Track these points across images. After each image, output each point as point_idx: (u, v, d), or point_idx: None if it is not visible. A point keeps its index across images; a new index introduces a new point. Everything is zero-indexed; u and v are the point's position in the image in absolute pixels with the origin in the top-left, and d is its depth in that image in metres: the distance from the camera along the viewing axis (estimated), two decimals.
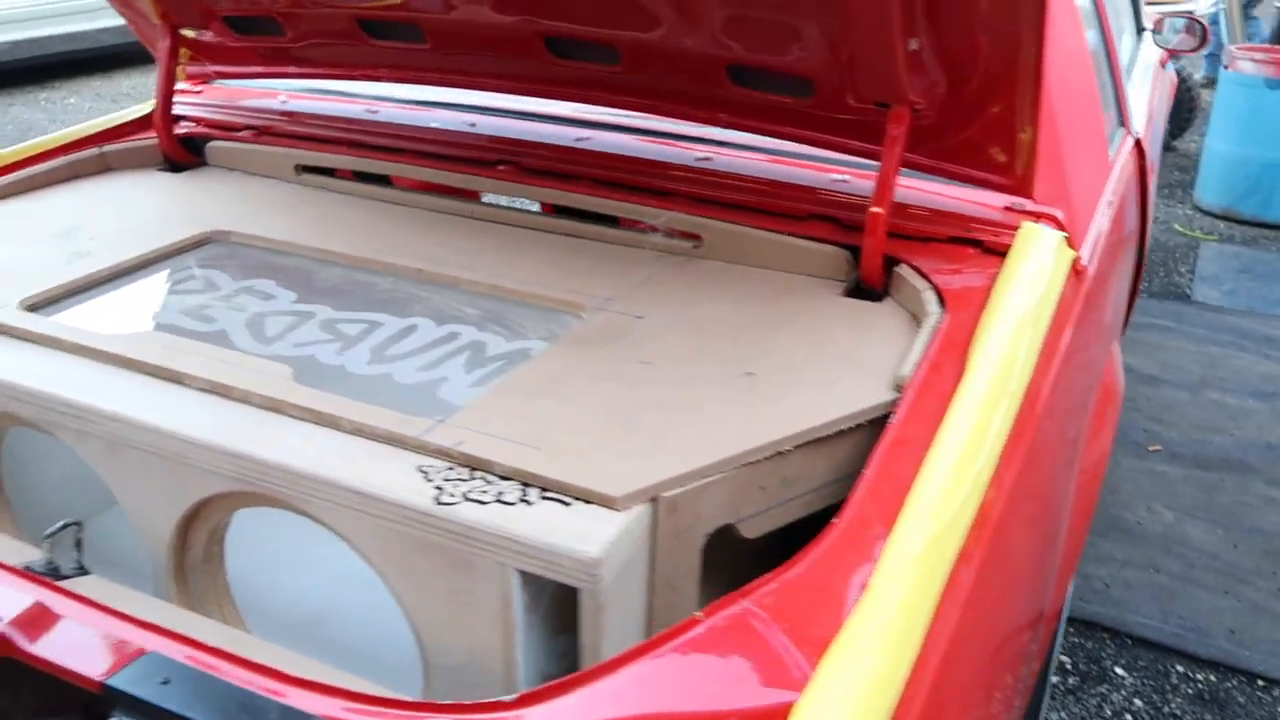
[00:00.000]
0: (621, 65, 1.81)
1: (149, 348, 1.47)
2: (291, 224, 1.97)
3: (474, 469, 1.22)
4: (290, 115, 2.29)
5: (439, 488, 1.19)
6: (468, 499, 1.16)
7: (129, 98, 8.55)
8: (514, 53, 1.91)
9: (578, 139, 2.05)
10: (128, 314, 1.66)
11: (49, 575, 1.30)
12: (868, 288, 1.66)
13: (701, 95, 1.80)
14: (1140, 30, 3.78)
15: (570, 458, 1.22)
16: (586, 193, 1.93)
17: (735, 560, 1.36)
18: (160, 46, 2.27)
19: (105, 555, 1.53)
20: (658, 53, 1.75)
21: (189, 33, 2.28)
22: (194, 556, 1.42)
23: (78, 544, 1.35)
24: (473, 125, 2.14)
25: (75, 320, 1.63)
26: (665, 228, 1.83)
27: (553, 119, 2.15)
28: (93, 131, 2.36)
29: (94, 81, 9.12)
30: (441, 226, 1.95)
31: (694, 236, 1.82)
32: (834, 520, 1.10)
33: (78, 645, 1.17)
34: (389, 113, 2.24)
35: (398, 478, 1.21)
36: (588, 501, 1.16)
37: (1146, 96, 3.05)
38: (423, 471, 1.22)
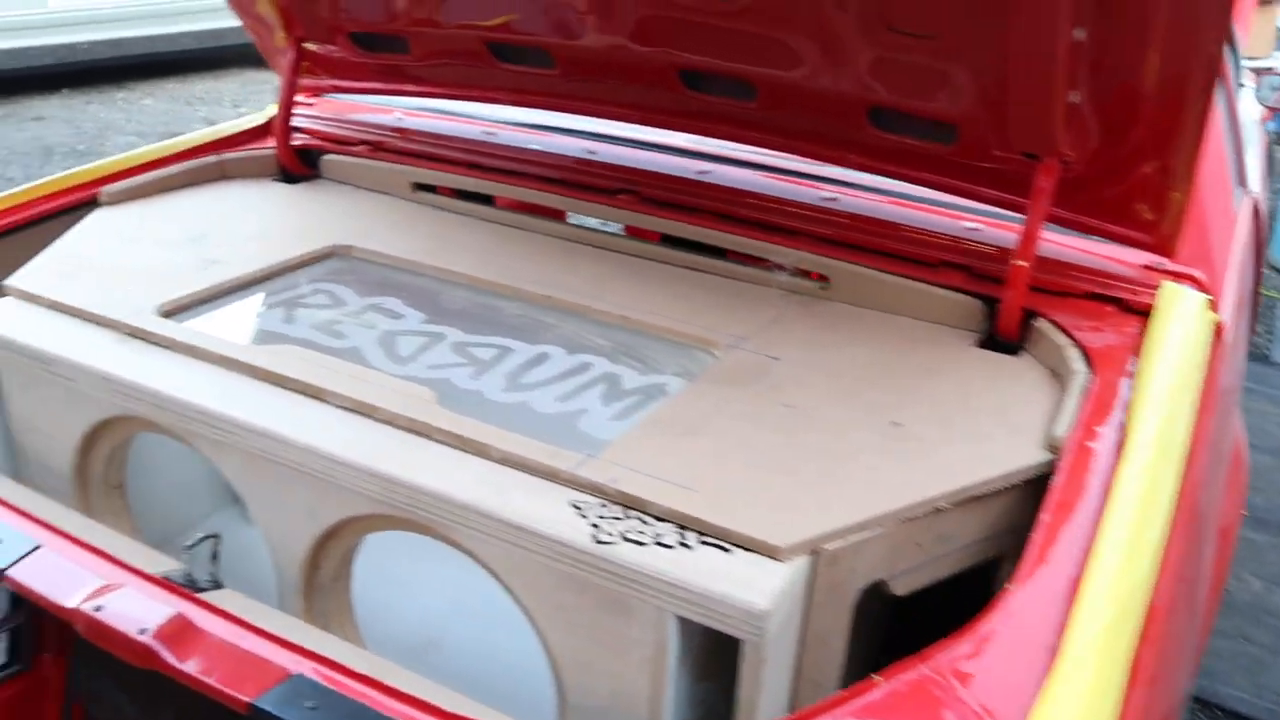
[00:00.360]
0: (757, 102, 1.80)
1: (289, 362, 1.47)
2: (412, 242, 1.97)
3: (628, 508, 1.20)
4: (406, 132, 2.30)
5: (595, 525, 1.17)
6: (626, 539, 1.14)
7: (202, 101, 8.70)
8: (645, 83, 1.90)
9: (700, 172, 2.04)
10: (260, 325, 1.66)
11: (187, 587, 1.29)
12: (1003, 340, 1.63)
13: (837, 136, 1.79)
14: (1240, 85, 3.73)
15: (728, 502, 1.19)
16: (709, 227, 1.91)
17: (875, 616, 1.33)
18: (283, 59, 2.30)
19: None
20: (796, 91, 1.74)
21: (312, 46, 2.30)
22: (325, 575, 1.41)
23: (214, 556, 1.34)
24: (592, 153, 2.14)
25: (208, 327, 1.64)
26: (792, 267, 1.81)
27: (673, 150, 2.14)
28: (210, 139, 2.39)
29: (169, 84, 9.28)
30: (561, 252, 1.94)
31: (821, 278, 1.80)
32: (1006, 587, 1.07)
33: (222, 662, 1.16)
34: (506, 135, 2.24)
35: (552, 512, 1.19)
36: (748, 549, 1.14)
37: (1256, 154, 3.00)
38: (576, 507, 1.20)
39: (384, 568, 1.62)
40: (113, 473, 1.63)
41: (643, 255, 1.94)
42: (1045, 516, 1.16)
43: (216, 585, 1.35)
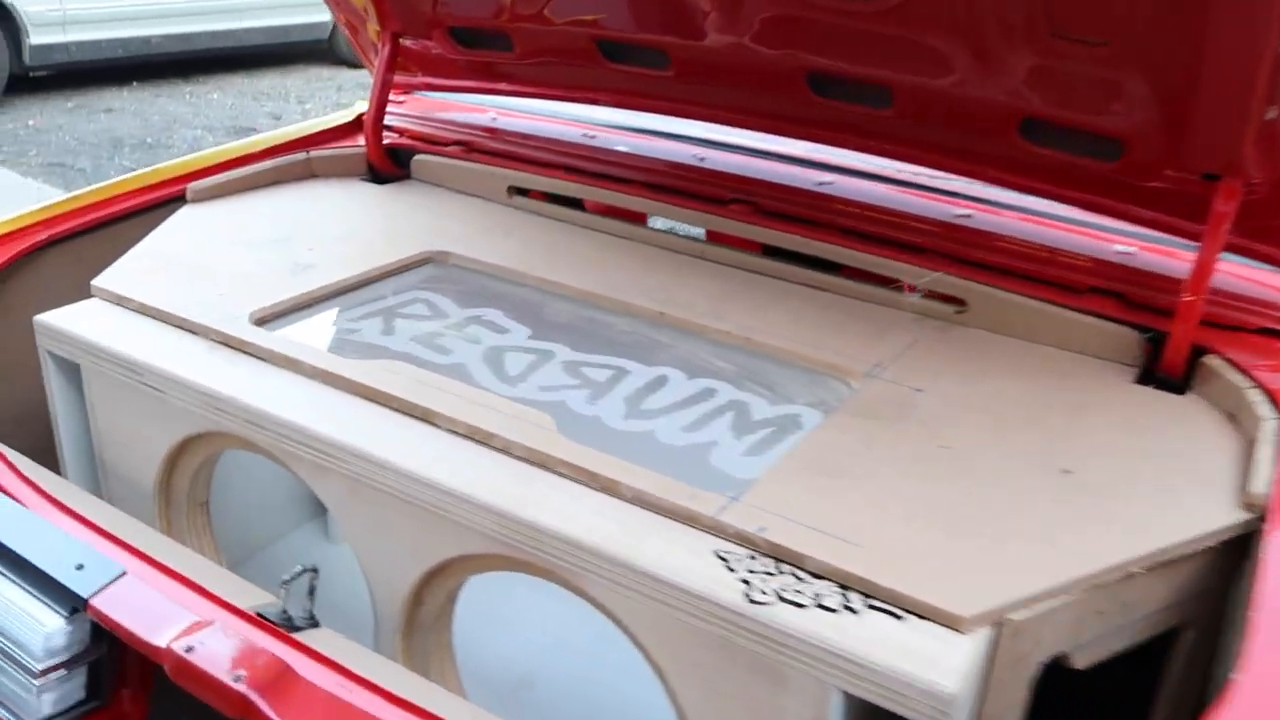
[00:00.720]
0: (893, 110, 1.66)
1: (395, 379, 1.36)
2: (510, 249, 1.86)
3: (780, 561, 1.07)
4: (502, 133, 2.19)
5: (745, 581, 1.04)
6: (783, 599, 1.01)
7: (268, 96, 8.72)
8: (768, 87, 1.77)
9: (819, 183, 1.90)
10: (358, 336, 1.56)
11: (284, 626, 1.18)
12: (1167, 377, 1.48)
13: (983, 150, 1.64)
14: None
15: (896, 560, 1.06)
16: (831, 242, 1.78)
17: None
18: (378, 54, 2.20)
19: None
20: (940, 100, 1.60)
21: (408, 42, 2.20)
22: (427, 613, 1.30)
23: (311, 592, 1.23)
24: (701, 160, 2.01)
25: (303, 337, 1.53)
26: (925, 288, 1.67)
27: (789, 159, 2.01)
28: (297, 136, 2.30)
29: (236, 78, 9.32)
30: (670, 264, 1.82)
31: (956, 301, 1.66)
32: (1233, 676, 0.92)
33: (323, 716, 1.05)
34: (608, 139, 2.12)
35: (696, 564, 1.06)
36: (924, 617, 1.00)
37: None
38: (722, 558, 1.07)
39: (478, 597, 1.50)
40: (198, 489, 1.53)
41: (760, 271, 1.80)
42: (1263, 592, 1.01)
43: (313, 623, 1.24)
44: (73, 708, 1.24)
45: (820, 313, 1.65)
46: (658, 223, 2.04)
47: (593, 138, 2.14)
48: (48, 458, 1.63)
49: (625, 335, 1.59)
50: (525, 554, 1.15)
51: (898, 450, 1.26)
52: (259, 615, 1.17)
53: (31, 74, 7.90)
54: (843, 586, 1.04)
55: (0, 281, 1.74)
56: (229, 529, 1.67)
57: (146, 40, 8.47)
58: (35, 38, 7.57)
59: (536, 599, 1.65)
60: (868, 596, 1.02)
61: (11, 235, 1.83)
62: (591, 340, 1.57)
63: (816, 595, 1.02)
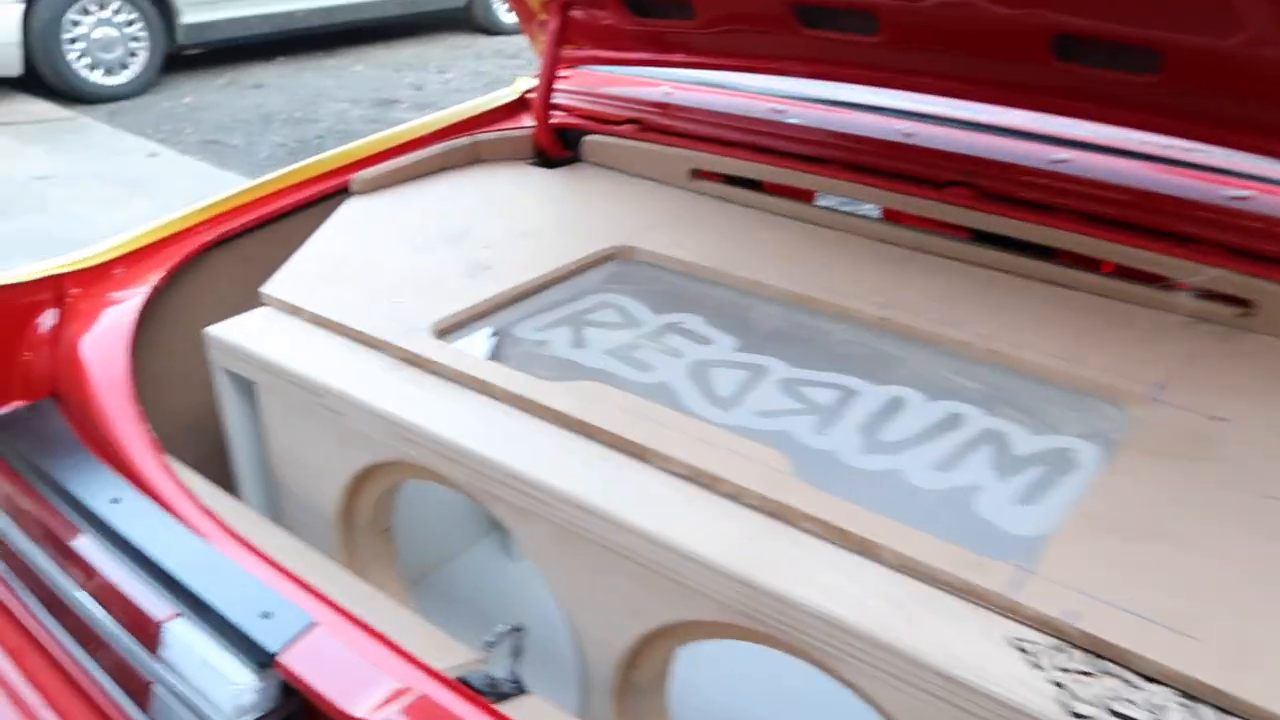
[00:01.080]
0: (1161, 76, 1.40)
1: (601, 408, 1.19)
2: (700, 242, 1.67)
3: (1099, 657, 0.87)
4: (679, 110, 2.00)
5: (1057, 683, 0.84)
6: (1114, 713, 0.81)
7: (409, 67, 8.73)
8: (1001, 53, 1.53)
9: (1054, 161, 1.65)
10: (548, 350, 1.41)
11: (488, 694, 1.04)
12: None
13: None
14: None
15: (1252, 660, 0.84)
16: (1073, 230, 1.53)
17: None
18: (545, 28, 2.04)
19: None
20: (1226, 62, 1.33)
21: (576, 13, 2.03)
22: (643, 676, 1.14)
23: (518, 653, 1.09)
24: (909, 135, 1.78)
25: (489, 352, 1.39)
26: (1202, 286, 1.41)
27: (1012, 133, 1.76)
28: (460, 119, 2.16)
29: (376, 50, 9.38)
30: (886, 258, 1.61)
31: (1240, 301, 1.40)
32: None
33: None
34: (801, 114, 1.91)
35: (991, 658, 0.87)
36: None
37: None
38: (1022, 650, 0.88)
39: (696, 651, 1.34)
40: (381, 516, 1.41)
41: (990, 265, 1.57)
42: None
43: (519, 689, 1.10)
44: None
45: (1072, 317, 1.42)
46: (864, 210, 1.83)
47: (782, 113, 1.93)
48: (217, 468, 1.54)
49: (845, 346, 1.39)
50: (769, 628, 0.97)
51: (1215, 502, 1.03)
52: (463, 682, 1.03)
53: (184, 52, 8.11)
54: (1188, 696, 0.83)
55: (169, 285, 1.66)
56: (402, 549, 1.55)
57: (290, 15, 8.59)
58: (187, 16, 7.75)
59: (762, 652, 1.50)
60: (1225, 713, 0.81)
61: (179, 236, 1.75)
62: (807, 352, 1.38)
63: (1154, 708, 0.82)
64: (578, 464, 1.12)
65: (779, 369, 1.34)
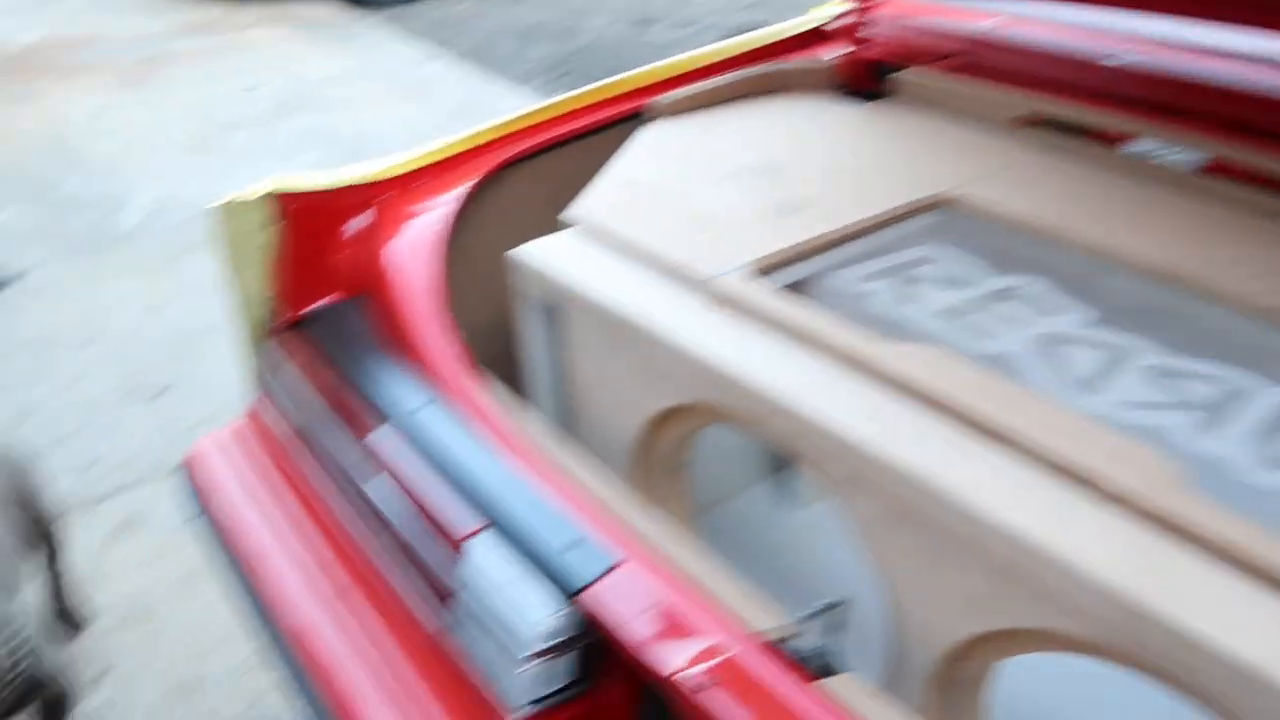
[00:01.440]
0: None
1: (948, 379, 1.07)
2: (1038, 197, 1.50)
3: None
4: (1010, 46, 1.80)
5: None
6: None
7: None
8: None
9: None
10: (871, 305, 1.29)
11: (810, 666, 0.96)
12: None
13: None
14: None
15: None
16: None
17: None
18: None
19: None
20: None
21: None
22: (970, 671, 1.03)
23: (841, 628, 1.00)
24: None
25: (810, 299, 1.29)
26: None
27: None
28: (758, 45, 2.04)
29: None
30: (1266, 235, 1.38)
31: None
32: None
33: None
34: (1165, 58, 1.67)
35: None
36: None
37: None
38: None
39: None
40: (681, 453, 1.36)
41: None
42: None
43: (839, 668, 1.02)
44: (559, 691, 1.11)
45: None
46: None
47: (1142, 55, 1.70)
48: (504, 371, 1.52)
49: (1225, 335, 1.20)
50: (1150, 662, 0.84)
51: None
52: (781, 649, 0.95)
53: None
54: None
55: (472, 200, 1.65)
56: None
57: None
58: None
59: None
60: None
61: (478, 150, 1.74)
62: (1178, 337, 1.20)
63: None
64: (928, 440, 1.01)
65: (1145, 353, 1.17)
